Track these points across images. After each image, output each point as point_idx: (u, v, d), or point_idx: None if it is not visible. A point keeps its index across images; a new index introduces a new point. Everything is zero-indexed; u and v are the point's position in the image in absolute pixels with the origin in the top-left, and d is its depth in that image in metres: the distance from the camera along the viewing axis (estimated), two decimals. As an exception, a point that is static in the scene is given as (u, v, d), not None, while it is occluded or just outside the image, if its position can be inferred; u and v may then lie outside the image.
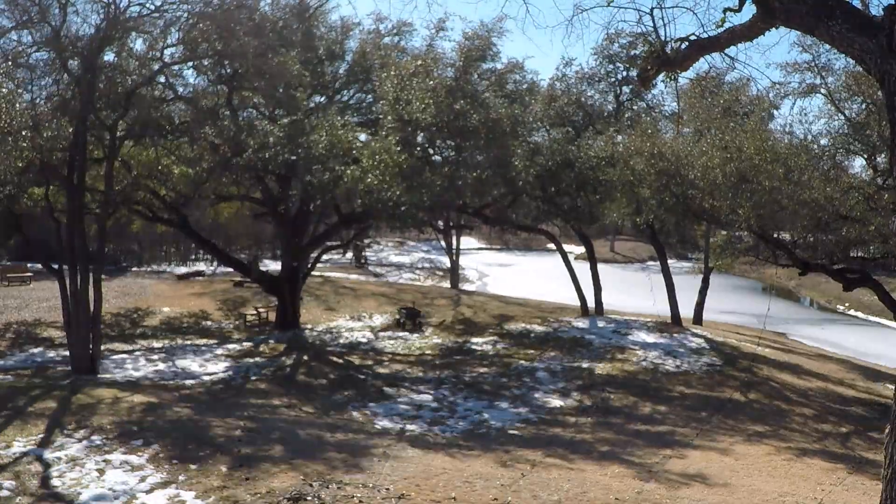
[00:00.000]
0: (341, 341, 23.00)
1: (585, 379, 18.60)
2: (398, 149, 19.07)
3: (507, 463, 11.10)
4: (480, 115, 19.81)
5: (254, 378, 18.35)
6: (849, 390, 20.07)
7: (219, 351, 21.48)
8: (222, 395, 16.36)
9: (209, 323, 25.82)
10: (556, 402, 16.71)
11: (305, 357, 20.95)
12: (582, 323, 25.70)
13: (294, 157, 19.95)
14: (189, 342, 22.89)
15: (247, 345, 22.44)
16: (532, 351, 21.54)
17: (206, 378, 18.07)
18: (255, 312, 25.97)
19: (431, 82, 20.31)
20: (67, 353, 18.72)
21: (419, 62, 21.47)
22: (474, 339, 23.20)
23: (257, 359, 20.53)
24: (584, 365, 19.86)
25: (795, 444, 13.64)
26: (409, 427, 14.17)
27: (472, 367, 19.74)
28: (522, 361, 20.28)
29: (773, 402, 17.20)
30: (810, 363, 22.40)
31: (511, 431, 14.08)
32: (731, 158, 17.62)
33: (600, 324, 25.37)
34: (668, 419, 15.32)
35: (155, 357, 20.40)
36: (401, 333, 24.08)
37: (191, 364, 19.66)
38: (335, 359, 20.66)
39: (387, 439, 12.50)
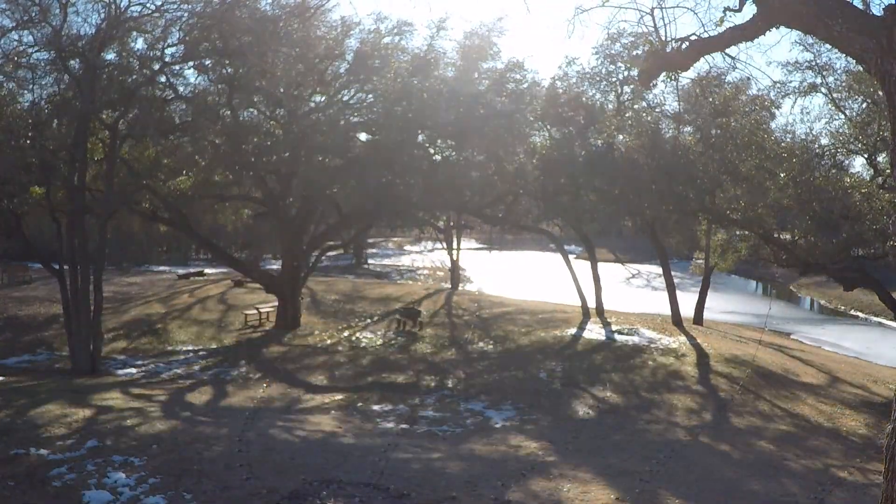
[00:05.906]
0: (341, 340, 22.98)
1: (584, 382, 18.59)
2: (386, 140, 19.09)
3: (507, 462, 11.09)
4: (478, 113, 19.76)
5: (257, 377, 18.35)
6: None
7: (222, 349, 21.48)
8: (223, 394, 16.36)
9: (210, 321, 25.81)
10: (554, 404, 16.69)
11: (307, 357, 20.94)
12: (583, 323, 25.66)
13: (294, 157, 19.95)
14: (190, 341, 22.90)
15: (248, 344, 22.44)
16: (532, 351, 21.51)
17: (208, 377, 18.07)
18: (255, 312, 25.95)
19: (428, 83, 20.30)
20: (68, 352, 18.74)
21: (419, 61, 21.45)
22: (474, 340, 23.17)
23: (260, 358, 20.52)
24: (584, 366, 19.83)
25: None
26: (409, 427, 14.15)
27: (472, 367, 19.72)
28: (523, 361, 20.25)
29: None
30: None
31: (511, 431, 14.07)
32: (731, 157, 17.63)
33: (600, 324, 25.33)
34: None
35: (156, 357, 20.40)
36: (400, 334, 24.05)
37: (193, 363, 19.66)
38: (338, 358, 20.65)
39: (388, 439, 12.51)
